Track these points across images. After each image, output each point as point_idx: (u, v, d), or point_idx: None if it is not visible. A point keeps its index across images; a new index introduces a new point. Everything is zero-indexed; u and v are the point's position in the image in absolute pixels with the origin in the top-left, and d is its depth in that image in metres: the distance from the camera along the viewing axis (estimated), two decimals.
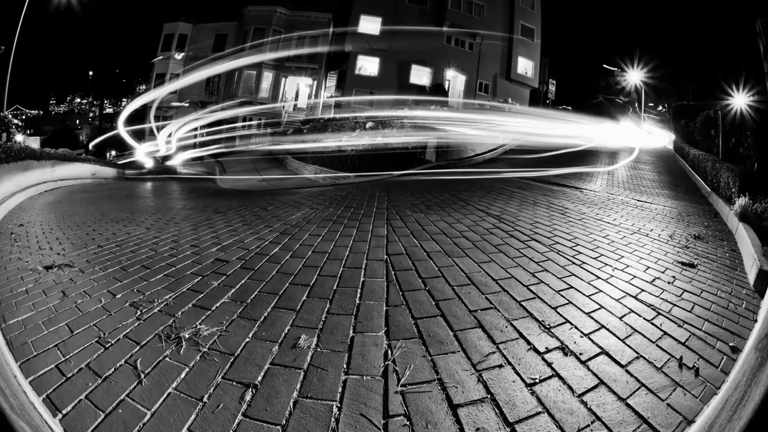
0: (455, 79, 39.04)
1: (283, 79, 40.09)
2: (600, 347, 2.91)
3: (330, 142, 20.83)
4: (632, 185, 11.88)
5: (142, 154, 30.42)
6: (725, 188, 9.22)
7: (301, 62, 39.03)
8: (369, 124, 21.19)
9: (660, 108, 63.94)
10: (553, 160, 16.68)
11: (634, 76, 52.11)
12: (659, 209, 8.67)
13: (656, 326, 3.29)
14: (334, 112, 35.33)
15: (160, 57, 42.11)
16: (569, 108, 54.38)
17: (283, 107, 39.20)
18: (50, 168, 15.43)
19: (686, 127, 21.48)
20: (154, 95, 37.22)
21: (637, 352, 2.88)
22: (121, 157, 35.58)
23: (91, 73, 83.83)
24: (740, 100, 19.72)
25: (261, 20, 39.07)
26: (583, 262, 4.79)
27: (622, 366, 2.70)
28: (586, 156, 18.63)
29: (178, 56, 41.22)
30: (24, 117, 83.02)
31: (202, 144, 33.09)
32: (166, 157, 30.67)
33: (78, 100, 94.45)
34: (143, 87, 58.39)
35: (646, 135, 36.74)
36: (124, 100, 76.90)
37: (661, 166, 17.70)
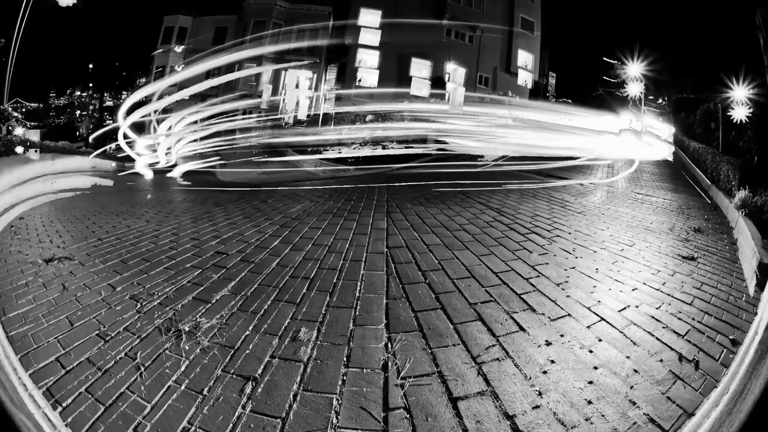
0: (455, 72, 38.89)
1: (284, 72, 39.96)
2: (600, 340, 2.91)
3: (330, 134, 20.76)
4: (632, 178, 11.87)
5: (142, 166, 30.32)
6: (725, 181, 9.21)
7: (301, 55, 38.88)
8: (369, 117, 21.13)
9: (660, 101, 63.73)
10: (553, 172, 16.65)
11: (634, 69, 51.85)
12: (659, 202, 8.66)
13: (656, 319, 3.29)
14: (334, 105, 35.24)
15: (161, 50, 41.91)
16: (569, 101, 54.20)
17: (284, 100, 39.07)
18: (50, 161, 15.40)
19: (686, 119, 21.44)
20: (154, 88, 37.09)
21: (637, 345, 2.88)
22: (121, 150, 35.47)
23: (91, 65, 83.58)
24: (740, 93, 19.61)
25: (261, 13, 38.90)
26: (583, 256, 4.78)
27: (622, 358, 2.70)
28: (585, 169, 18.60)
29: (179, 49, 41.04)
30: (24, 110, 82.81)
31: (202, 137, 32.99)
32: (167, 170, 30.54)
33: (78, 92, 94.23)
34: (143, 80, 58.19)
35: (646, 147, 36.69)
36: (124, 92, 76.65)
37: (663, 172, 17.65)
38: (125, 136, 25.89)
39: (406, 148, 18.11)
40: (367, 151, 18.72)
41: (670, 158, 26.08)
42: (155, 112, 33.18)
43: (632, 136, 43.51)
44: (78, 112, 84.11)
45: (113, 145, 42.33)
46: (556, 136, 32.29)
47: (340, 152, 20.10)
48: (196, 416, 2.15)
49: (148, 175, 29.03)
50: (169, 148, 32.18)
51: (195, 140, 33.45)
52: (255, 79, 39.21)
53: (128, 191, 12.61)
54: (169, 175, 29.30)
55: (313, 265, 4.27)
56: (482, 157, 18.42)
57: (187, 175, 29.90)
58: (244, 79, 39.20)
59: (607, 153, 25.22)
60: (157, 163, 30.91)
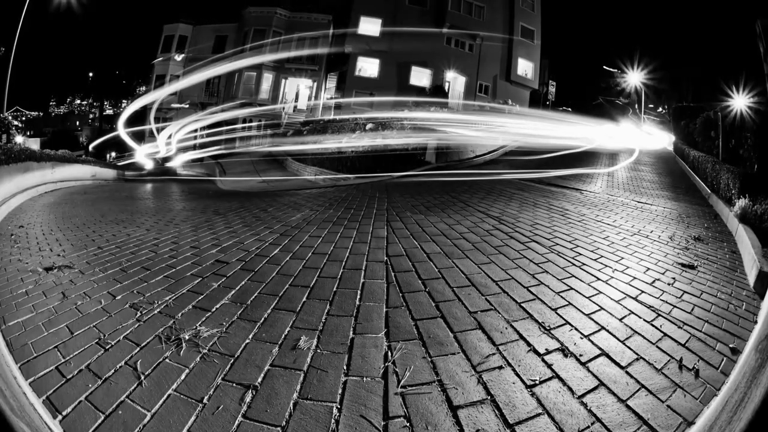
0: (455, 81, 39.06)
1: (283, 80, 40.11)
2: (600, 348, 2.91)
3: (330, 143, 20.82)
4: (632, 186, 11.89)
5: (142, 155, 30.38)
6: (725, 190, 9.21)
7: (301, 63, 39.06)
8: (369, 126, 21.21)
9: (660, 109, 63.90)
10: (553, 162, 16.68)
11: (634, 78, 51.98)
12: (659, 210, 8.67)
13: (656, 327, 3.29)
14: (334, 113, 35.36)
15: (160, 58, 42.14)
16: (569, 109, 54.36)
17: (283, 108, 39.20)
18: (50, 169, 15.42)
19: (686, 128, 21.46)
20: (154, 96, 37.22)
21: (637, 354, 2.88)
22: (121, 158, 35.58)
23: (91, 74, 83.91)
24: (740, 102, 19.71)
25: (261, 21, 39.11)
26: (583, 264, 4.78)
27: (622, 367, 2.70)
28: (586, 157, 18.63)
29: (178, 57, 41.25)
30: (24, 118, 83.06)
31: (202, 145, 33.06)
32: (166, 159, 30.63)
33: (78, 101, 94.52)
34: (143, 88, 58.44)
35: (646, 136, 36.70)
36: (124, 101, 77.03)
37: (661, 168, 17.70)
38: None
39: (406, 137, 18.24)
40: (367, 141, 18.82)
41: (670, 147, 26.11)
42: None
43: (632, 125, 43.44)
44: (77, 123, 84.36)
45: (113, 154, 42.38)
46: (556, 125, 32.34)
47: (340, 142, 20.21)
48: (196, 425, 2.14)
49: (148, 164, 29.12)
50: (169, 137, 32.26)
51: (194, 144, 33.52)
52: (255, 88, 39.29)
53: (127, 192, 12.60)
54: (168, 165, 29.38)
55: (313, 274, 4.27)
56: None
57: (187, 164, 29.97)
58: (244, 87, 39.32)
59: (607, 142, 25.29)
60: (158, 152, 31.01)
